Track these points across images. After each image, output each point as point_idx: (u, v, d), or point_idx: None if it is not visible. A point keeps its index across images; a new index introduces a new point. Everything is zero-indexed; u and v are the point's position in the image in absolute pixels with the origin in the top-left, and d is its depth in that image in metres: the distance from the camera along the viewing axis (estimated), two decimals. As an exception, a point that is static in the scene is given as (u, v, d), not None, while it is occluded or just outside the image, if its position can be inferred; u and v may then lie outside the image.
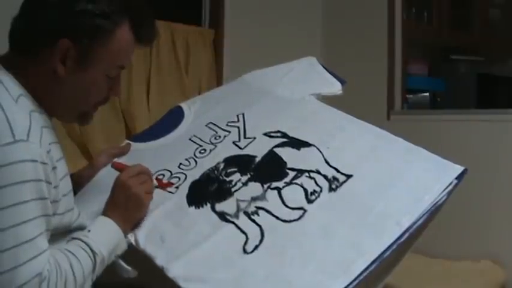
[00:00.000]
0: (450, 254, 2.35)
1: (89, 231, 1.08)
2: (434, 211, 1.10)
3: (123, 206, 1.15)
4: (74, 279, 0.99)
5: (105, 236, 1.10)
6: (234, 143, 1.34)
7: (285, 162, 1.24)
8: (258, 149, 1.30)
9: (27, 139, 0.95)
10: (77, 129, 2.23)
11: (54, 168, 1.01)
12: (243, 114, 1.41)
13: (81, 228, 1.13)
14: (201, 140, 1.38)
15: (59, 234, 1.07)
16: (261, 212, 1.15)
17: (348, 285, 0.97)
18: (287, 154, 1.26)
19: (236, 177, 1.23)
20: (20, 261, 0.91)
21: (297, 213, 1.13)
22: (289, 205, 1.15)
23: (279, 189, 1.18)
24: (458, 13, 3.27)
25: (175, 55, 2.53)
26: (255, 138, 1.33)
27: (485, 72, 3.27)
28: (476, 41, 3.33)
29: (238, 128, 1.38)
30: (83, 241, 1.05)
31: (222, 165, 1.28)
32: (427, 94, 3.09)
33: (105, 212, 1.14)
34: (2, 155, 0.92)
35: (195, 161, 1.32)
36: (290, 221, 1.12)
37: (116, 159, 1.37)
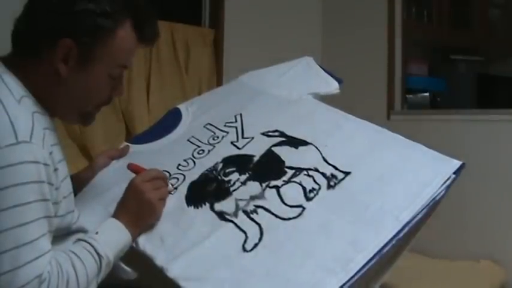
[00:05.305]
0: (450, 254, 2.35)
1: (97, 233, 1.08)
2: (433, 206, 1.10)
3: (134, 210, 1.14)
4: (77, 281, 0.99)
5: (113, 239, 1.09)
6: (232, 143, 1.34)
7: (283, 161, 1.24)
8: (256, 148, 1.30)
9: (30, 140, 0.95)
10: (77, 130, 2.24)
11: (55, 169, 1.01)
12: (241, 115, 1.41)
13: (81, 230, 1.13)
14: (199, 141, 1.38)
15: (59, 236, 1.07)
16: (260, 210, 1.15)
17: (347, 281, 0.97)
18: (285, 153, 1.26)
19: (235, 176, 1.24)
20: (20, 263, 0.91)
21: (296, 211, 1.13)
22: (288, 203, 1.15)
23: (277, 188, 1.18)
24: (458, 13, 3.27)
25: (175, 55, 2.53)
26: (253, 138, 1.33)
27: (485, 72, 3.27)
28: (476, 41, 3.32)
29: (236, 128, 1.38)
30: (89, 243, 1.05)
31: (220, 165, 1.28)
32: (427, 94, 3.09)
33: (115, 215, 1.13)
34: (4, 156, 0.92)
35: (194, 162, 1.32)
36: (289, 219, 1.12)
37: (114, 161, 1.37)
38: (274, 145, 1.29)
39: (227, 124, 1.40)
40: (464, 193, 1.99)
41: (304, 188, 1.17)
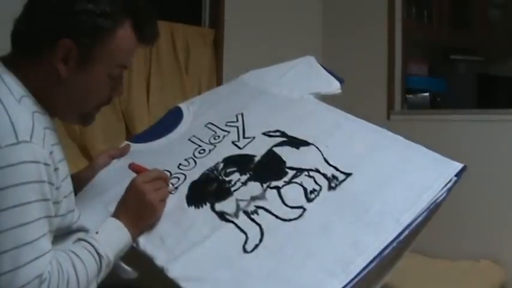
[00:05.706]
0: (450, 254, 2.35)
1: (97, 233, 1.08)
2: (434, 208, 1.10)
3: (135, 211, 1.14)
4: (77, 280, 0.99)
5: (113, 239, 1.09)
6: (233, 142, 1.34)
7: (284, 162, 1.24)
8: (257, 148, 1.29)
9: (30, 140, 0.95)
10: (77, 130, 2.24)
11: (56, 169, 1.01)
12: (242, 114, 1.41)
13: (81, 229, 1.13)
14: (200, 140, 1.38)
15: (59, 235, 1.07)
16: (260, 211, 1.15)
17: (348, 283, 0.97)
18: (286, 153, 1.26)
19: (235, 176, 1.23)
20: (20, 262, 0.91)
21: (297, 212, 1.13)
22: (289, 204, 1.15)
23: (278, 189, 1.18)
24: (458, 13, 3.28)
25: (175, 55, 2.53)
26: (254, 137, 1.33)
27: (484, 72, 3.27)
28: (476, 41, 3.33)
29: (237, 128, 1.38)
30: (89, 243, 1.05)
31: (221, 165, 1.28)
32: (427, 94, 3.09)
33: (116, 214, 1.13)
34: (4, 156, 0.92)
35: (195, 161, 1.32)
36: (290, 220, 1.11)
37: (115, 160, 1.37)
38: (275, 145, 1.29)
39: (228, 123, 1.40)
40: (465, 193, 1.98)
41: (305, 189, 1.16)
